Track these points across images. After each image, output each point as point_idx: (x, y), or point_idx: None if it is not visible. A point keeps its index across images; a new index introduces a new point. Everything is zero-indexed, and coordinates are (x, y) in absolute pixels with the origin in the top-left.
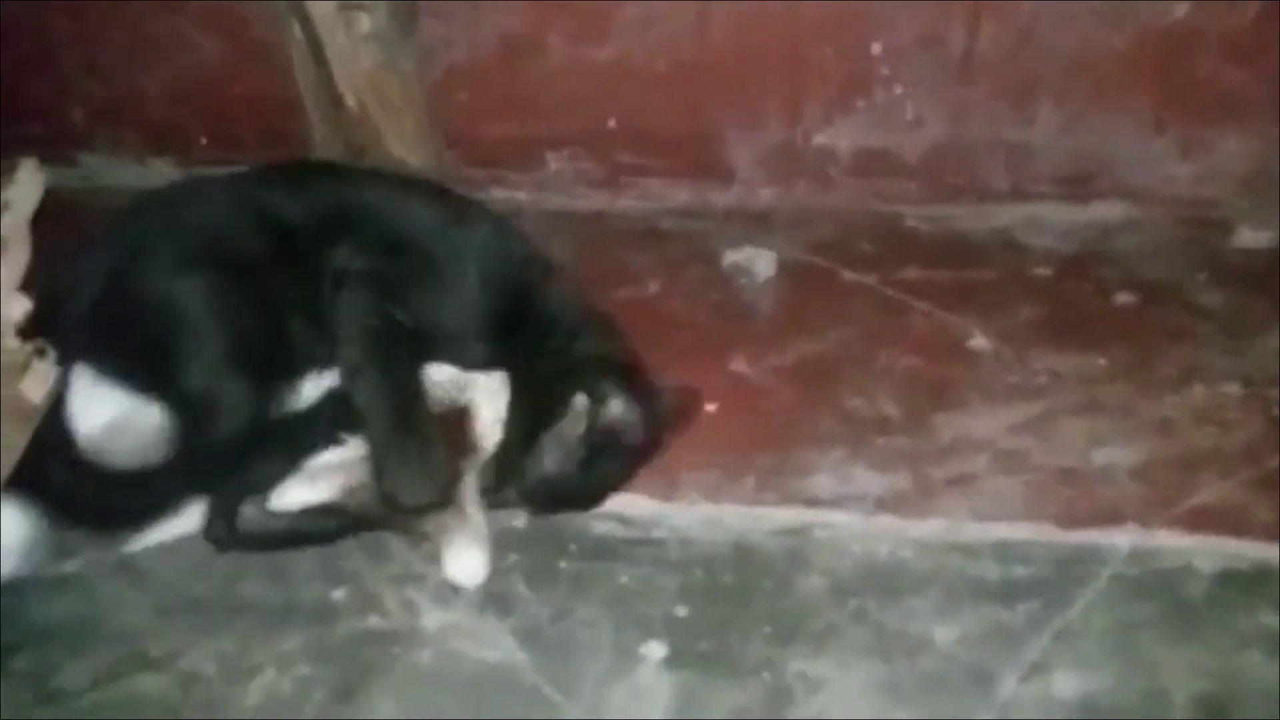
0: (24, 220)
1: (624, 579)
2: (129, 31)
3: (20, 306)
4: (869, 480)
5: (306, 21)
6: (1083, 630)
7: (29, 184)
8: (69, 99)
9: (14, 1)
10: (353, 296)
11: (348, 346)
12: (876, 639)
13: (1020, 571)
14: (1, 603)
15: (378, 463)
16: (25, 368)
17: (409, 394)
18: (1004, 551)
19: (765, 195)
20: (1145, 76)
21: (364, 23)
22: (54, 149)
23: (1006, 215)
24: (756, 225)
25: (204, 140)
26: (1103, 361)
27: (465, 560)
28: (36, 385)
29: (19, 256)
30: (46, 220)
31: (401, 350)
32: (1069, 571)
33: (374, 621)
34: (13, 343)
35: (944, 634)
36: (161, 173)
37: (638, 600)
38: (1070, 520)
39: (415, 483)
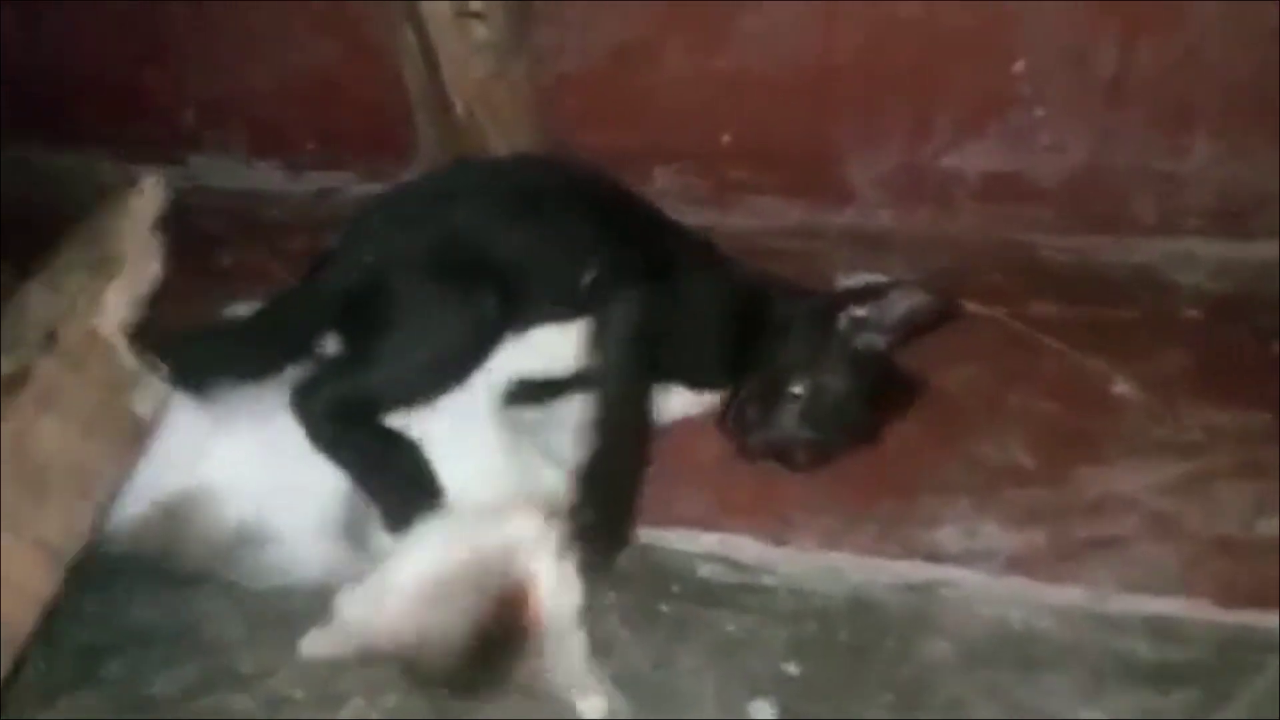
0: (146, 231)
1: (730, 628)
2: (243, 29)
3: (132, 316)
4: (1000, 536)
5: (421, 27)
6: None
7: (151, 197)
8: (182, 99)
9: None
10: (629, 307)
11: (613, 350)
12: (1011, 718)
13: (1175, 653)
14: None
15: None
16: (136, 382)
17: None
18: (1156, 628)
19: (884, 217)
20: None
21: (480, 31)
22: (166, 149)
23: (1152, 250)
24: (873, 249)
25: (310, 145)
26: (1266, 417)
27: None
28: (147, 401)
29: (144, 268)
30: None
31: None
32: (1232, 656)
33: None
34: (127, 357)
35: (1089, 718)
36: (267, 175)
37: (745, 652)
38: (1232, 597)
39: (611, 524)
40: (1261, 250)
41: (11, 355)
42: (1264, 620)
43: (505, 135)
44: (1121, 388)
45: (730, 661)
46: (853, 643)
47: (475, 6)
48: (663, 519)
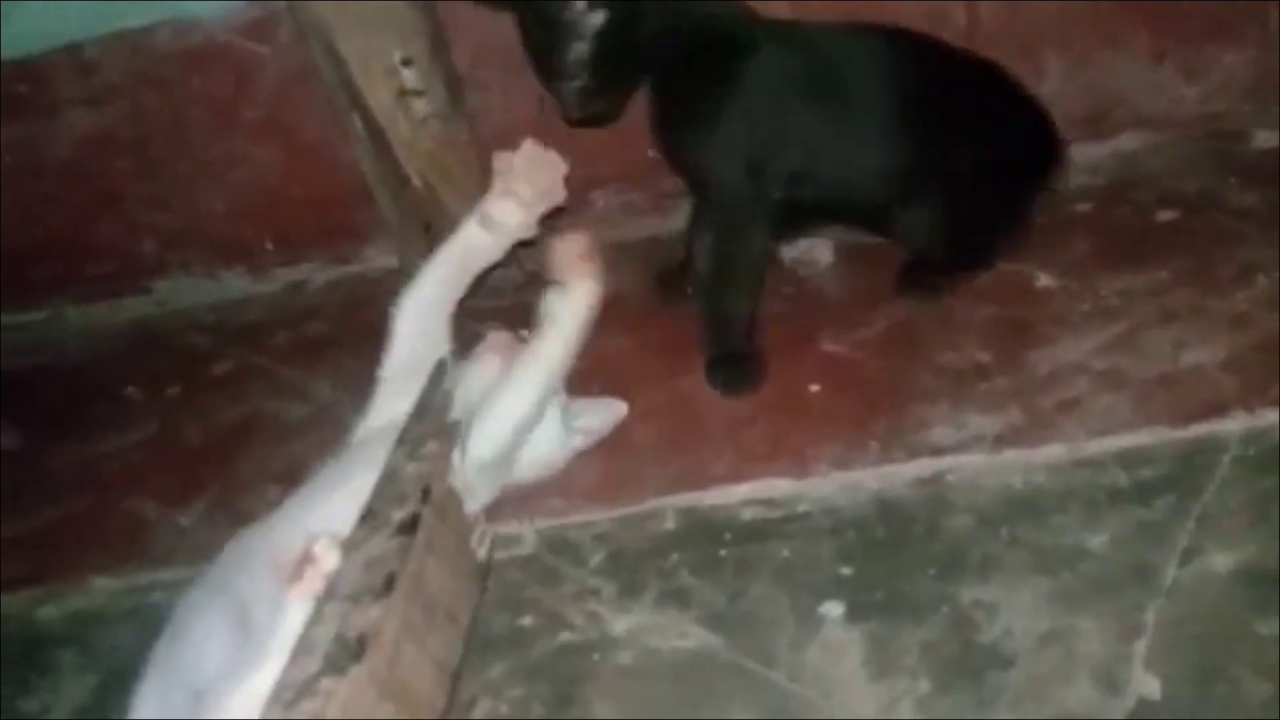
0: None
1: (785, 553)
2: (189, 160)
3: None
4: (983, 422)
5: (367, 114)
6: (1221, 511)
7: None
8: (138, 234)
9: (79, 150)
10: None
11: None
12: (1035, 558)
13: (1148, 473)
14: None
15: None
16: (474, 530)
17: None
18: (1128, 458)
19: None
20: (1138, 11)
21: (420, 106)
22: (129, 282)
23: None
24: None
25: (269, 245)
26: (1164, 274)
27: None
28: (482, 546)
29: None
30: (134, 349)
31: None
32: (1192, 463)
33: (566, 637)
34: (470, 507)
35: (1096, 541)
36: (233, 284)
37: (803, 569)
38: (1180, 418)
39: None
40: (1124, 142)
41: (402, 508)
42: (1209, 429)
43: (459, 193)
44: (1044, 280)
45: (793, 580)
46: (889, 537)
47: (412, 85)
48: (698, 482)
